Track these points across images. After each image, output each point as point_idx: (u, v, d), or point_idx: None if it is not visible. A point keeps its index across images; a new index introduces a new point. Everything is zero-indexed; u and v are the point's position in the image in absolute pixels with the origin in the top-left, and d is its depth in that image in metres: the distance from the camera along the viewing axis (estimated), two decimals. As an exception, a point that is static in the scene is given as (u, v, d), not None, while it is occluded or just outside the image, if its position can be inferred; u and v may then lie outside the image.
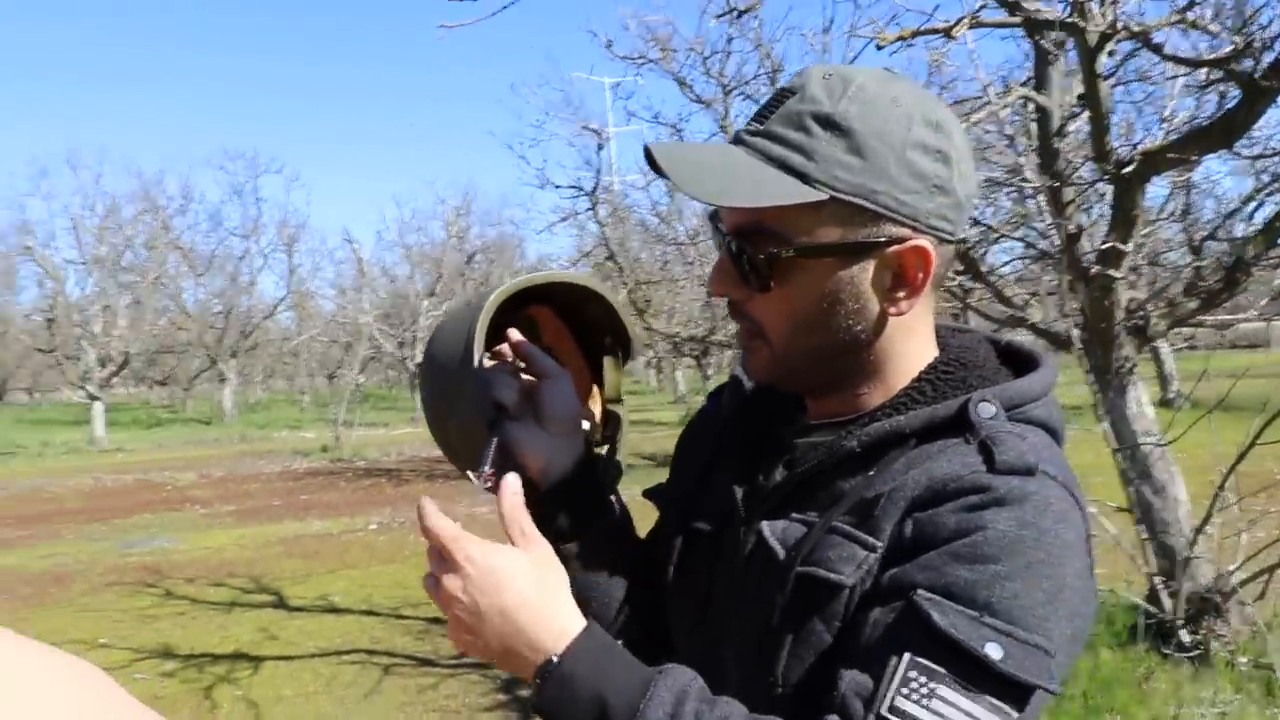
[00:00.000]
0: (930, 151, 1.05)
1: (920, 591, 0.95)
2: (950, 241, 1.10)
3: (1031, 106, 5.97)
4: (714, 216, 1.14)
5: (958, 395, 1.09)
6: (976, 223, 6.90)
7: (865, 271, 1.07)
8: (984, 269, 6.45)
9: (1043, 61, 5.82)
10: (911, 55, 14.35)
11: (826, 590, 1.03)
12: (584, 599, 1.14)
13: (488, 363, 1.25)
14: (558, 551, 1.10)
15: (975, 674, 0.92)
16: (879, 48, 4.15)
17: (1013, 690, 0.92)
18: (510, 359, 1.27)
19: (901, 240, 1.06)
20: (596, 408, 1.38)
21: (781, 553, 1.08)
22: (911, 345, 1.14)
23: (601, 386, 1.39)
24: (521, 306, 1.33)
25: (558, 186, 16.05)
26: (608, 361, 1.37)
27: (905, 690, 0.92)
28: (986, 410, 1.06)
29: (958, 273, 6.18)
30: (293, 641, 7.85)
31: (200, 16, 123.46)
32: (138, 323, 31.55)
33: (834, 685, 0.97)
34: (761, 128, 1.07)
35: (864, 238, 1.05)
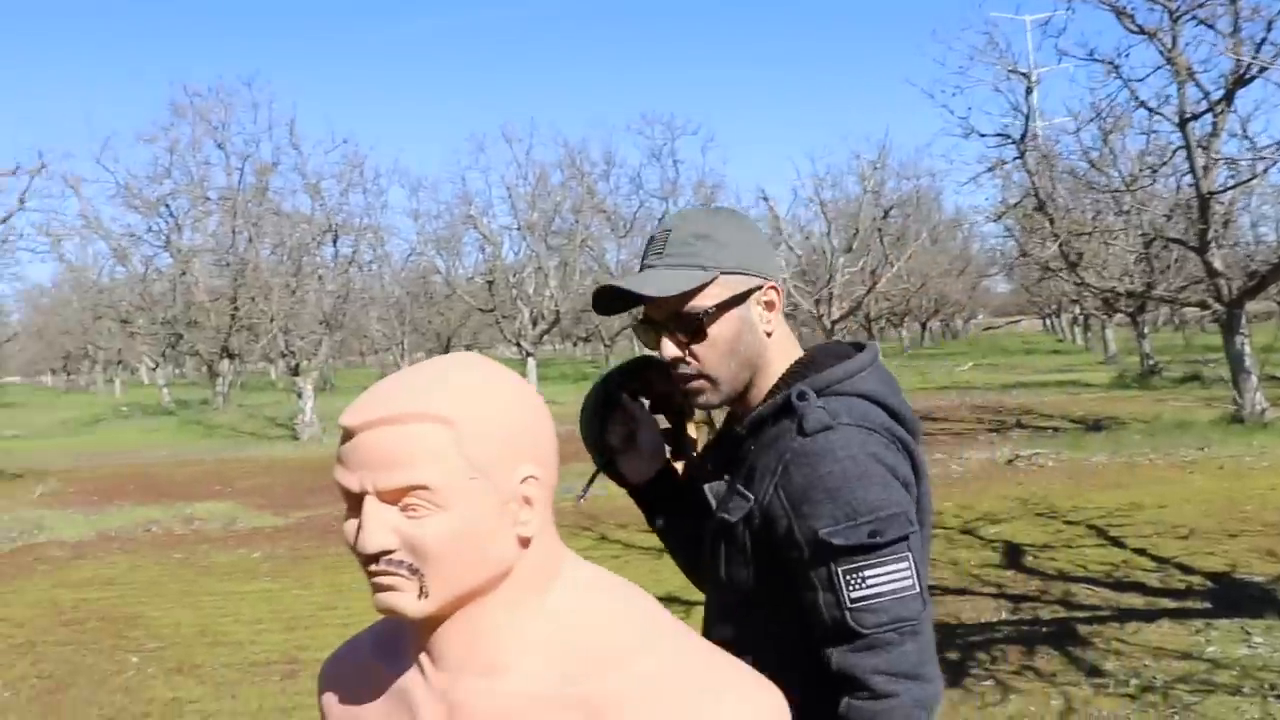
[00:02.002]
0: (753, 234, 1.77)
1: (821, 531, 1.54)
2: (777, 286, 1.76)
3: None
4: (644, 321, 1.76)
5: (787, 391, 1.68)
6: None
7: (749, 311, 1.73)
8: None
9: None
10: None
11: (727, 526, 1.69)
12: (670, 550, 1.99)
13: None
14: (654, 528, 1.97)
15: (874, 549, 1.53)
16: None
17: (897, 543, 1.54)
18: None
19: (761, 285, 1.74)
20: (692, 429, 1.97)
21: (714, 503, 1.74)
22: (776, 355, 1.76)
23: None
24: (644, 368, 1.89)
25: (982, 135, 15.41)
26: (694, 420, 1.97)
27: (849, 586, 1.53)
28: (802, 395, 1.65)
29: None
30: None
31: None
32: (566, 283, 33.32)
33: (817, 610, 1.56)
34: (661, 256, 1.71)
35: (743, 290, 1.71)
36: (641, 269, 1.74)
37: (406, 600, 1.15)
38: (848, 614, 1.52)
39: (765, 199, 33.46)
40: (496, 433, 1.16)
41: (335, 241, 26.07)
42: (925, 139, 76.36)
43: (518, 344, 32.81)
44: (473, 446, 1.13)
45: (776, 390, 1.71)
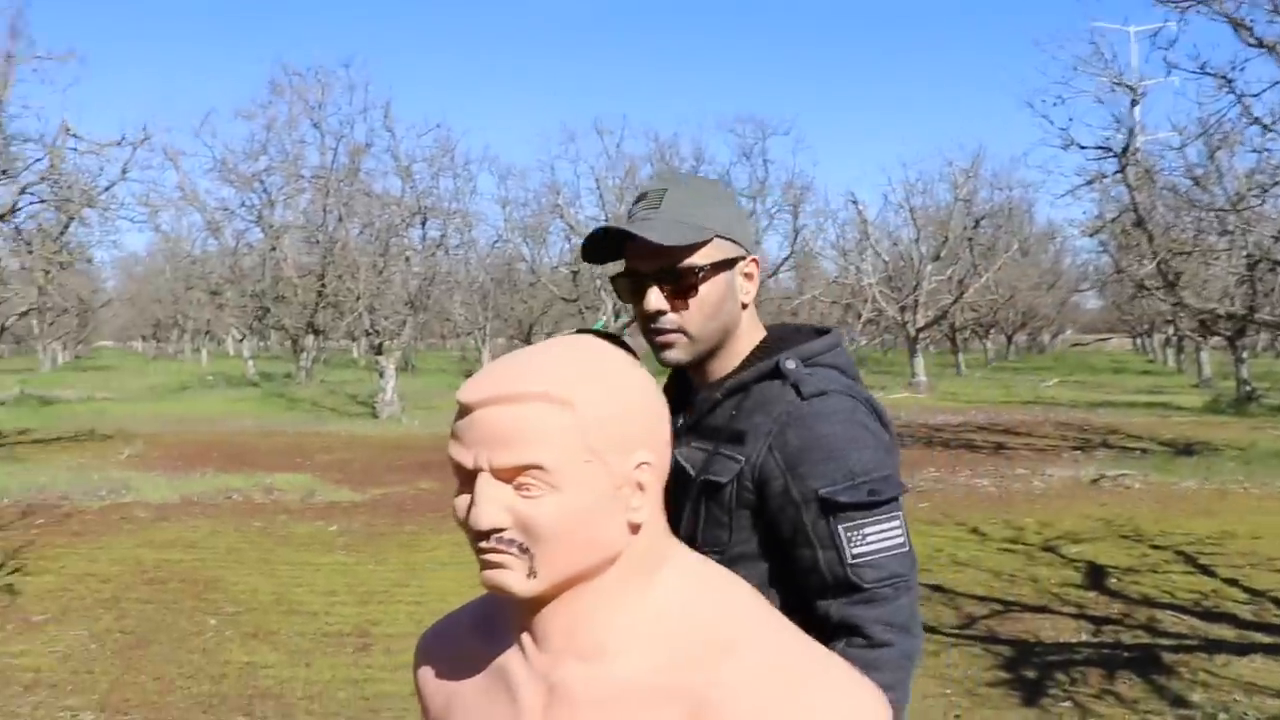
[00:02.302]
0: (740, 208, 1.86)
1: (822, 490, 1.62)
2: (757, 259, 1.82)
3: None
4: (625, 273, 1.79)
5: (773, 359, 1.74)
6: None
7: (733, 278, 1.78)
8: None
9: None
10: None
11: (715, 487, 1.72)
12: None
13: None
14: None
15: (873, 507, 1.62)
16: None
17: (891, 502, 1.64)
18: None
19: (745, 257, 1.80)
20: None
21: (691, 470, 1.75)
22: (748, 326, 1.83)
23: None
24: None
25: (1083, 147, 15.07)
26: None
27: (850, 543, 1.61)
28: (789, 364, 1.72)
29: None
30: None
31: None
32: (650, 277, 33.24)
33: (815, 566, 1.64)
34: (657, 210, 1.74)
35: (732, 256, 1.78)
36: (631, 220, 1.77)
37: (515, 579, 1.14)
38: (849, 569, 1.62)
39: (855, 203, 33.24)
40: (613, 416, 1.15)
41: (424, 224, 26.31)
42: (1021, 149, 75.01)
43: (599, 335, 32.79)
44: (589, 429, 1.13)
45: (753, 358, 1.79)
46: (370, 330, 24.56)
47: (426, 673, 1.36)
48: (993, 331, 53.94)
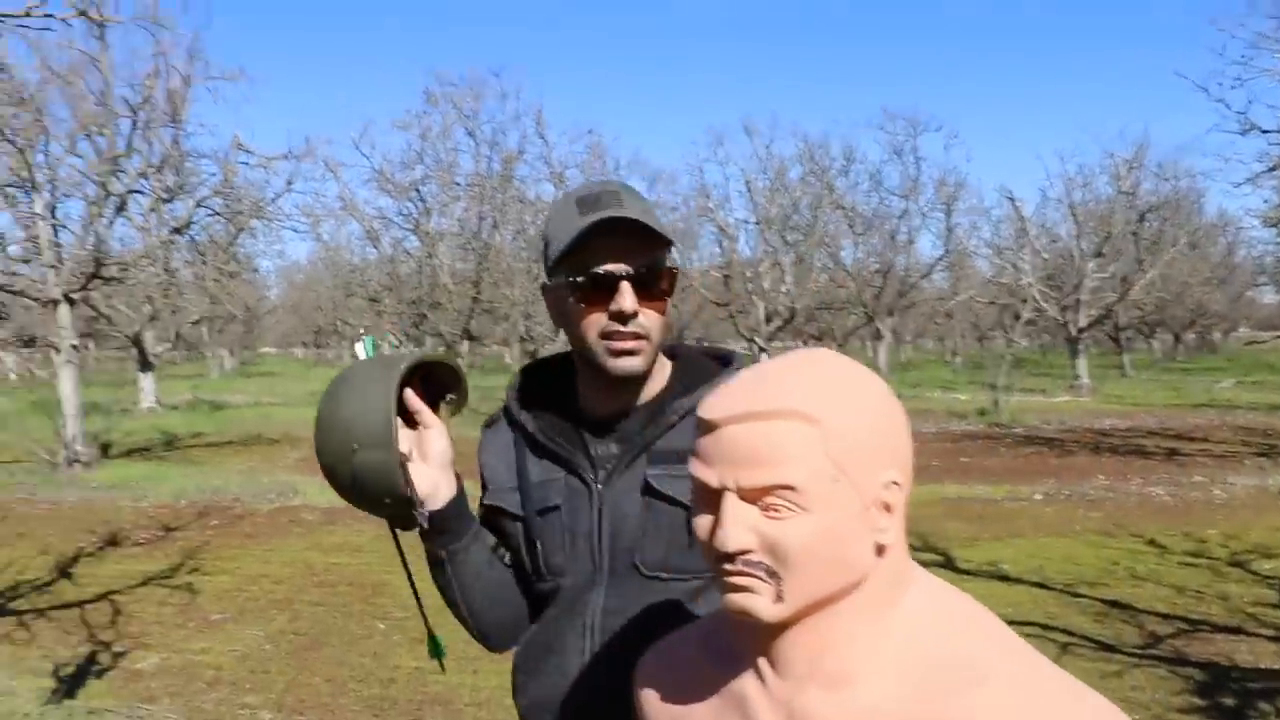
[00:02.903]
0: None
1: None
2: None
3: None
4: (593, 273, 1.66)
5: (700, 384, 1.73)
6: None
7: (673, 284, 1.74)
8: None
9: None
10: None
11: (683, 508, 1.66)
12: (460, 587, 1.83)
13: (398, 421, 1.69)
14: (439, 555, 1.80)
15: None
16: None
17: None
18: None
19: (674, 264, 1.77)
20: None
21: (660, 487, 1.69)
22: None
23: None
24: (409, 374, 1.74)
25: (1264, 131, 14.36)
26: (443, 410, 1.81)
27: None
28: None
29: None
30: (968, 604, 7.71)
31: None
32: (801, 279, 33.02)
33: None
34: (624, 208, 1.64)
35: (675, 263, 1.77)
36: (585, 215, 1.67)
37: (761, 603, 1.11)
38: None
39: (1010, 199, 32.39)
40: (862, 434, 1.10)
41: (577, 230, 26.51)
42: (1188, 136, 72.22)
43: (751, 340, 32.73)
44: (839, 448, 1.09)
45: (685, 377, 1.78)
46: (525, 336, 24.88)
47: (650, 694, 1.34)
48: (1159, 330, 51.99)
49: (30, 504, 13.79)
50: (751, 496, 1.09)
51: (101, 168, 17.65)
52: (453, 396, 1.83)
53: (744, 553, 1.10)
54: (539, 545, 1.77)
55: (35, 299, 17.08)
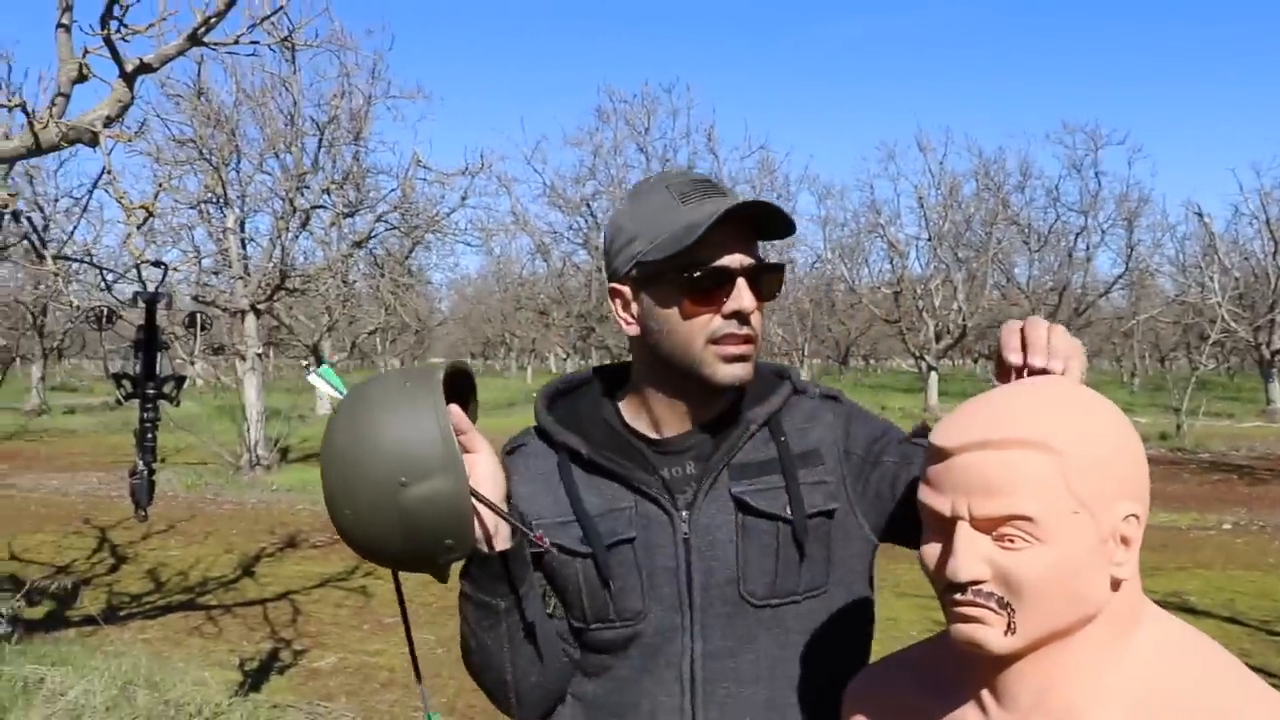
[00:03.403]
0: None
1: (900, 439, 1.61)
2: None
3: None
4: (716, 266, 1.49)
5: (769, 393, 1.60)
6: None
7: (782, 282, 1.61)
8: None
9: None
10: None
11: (828, 515, 1.55)
12: (512, 644, 1.52)
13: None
14: (494, 605, 1.50)
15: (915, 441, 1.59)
16: None
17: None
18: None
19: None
20: None
21: (780, 512, 1.52)
22: None
23: None
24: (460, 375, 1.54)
25: None
26: None
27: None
28: (802, 379, 1.66)
29: None
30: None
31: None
32: (973, 297, 32.33)
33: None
34: (738, 197, 1.50)
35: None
36: (690, 205, 1.51)
37: (993, 635, 1.09)
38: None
39: (1199, 214, 31.08)
40: (1102, 465, 1.08)
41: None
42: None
43: (920, 357, 32.17)
44: (1078, 479, 1.06)
45: (750, 385, 1.58)
46: (690, 350, 24.98)
47: None
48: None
49: (216, 504, 14.50)
50: (986, 526, 1.08)
51: (288, 184, 18.42)
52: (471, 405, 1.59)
53: (976, 583, 1.08)
54: (611, 585, 1.54)
55: (225, 309, 17.89)
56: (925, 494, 1.13)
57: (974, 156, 40.81)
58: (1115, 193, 35.74)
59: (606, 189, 28.24)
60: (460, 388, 1.56)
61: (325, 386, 1.53)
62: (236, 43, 4.20)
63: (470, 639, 1.56)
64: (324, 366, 1.55)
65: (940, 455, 1.11)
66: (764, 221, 1.51)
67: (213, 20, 3.95)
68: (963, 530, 1.08)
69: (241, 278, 17.99)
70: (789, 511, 1.52)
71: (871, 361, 63.78)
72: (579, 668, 1.61)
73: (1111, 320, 41.49)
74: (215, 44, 4.17)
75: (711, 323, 1.49)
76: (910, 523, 1.53)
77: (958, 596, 1.10)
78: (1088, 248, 34.30)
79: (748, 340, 1.51)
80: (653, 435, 1.60)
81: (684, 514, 1.53)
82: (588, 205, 29.02)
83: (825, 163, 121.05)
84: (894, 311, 33.69)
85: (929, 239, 33.07)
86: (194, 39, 4.07)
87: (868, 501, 1.58)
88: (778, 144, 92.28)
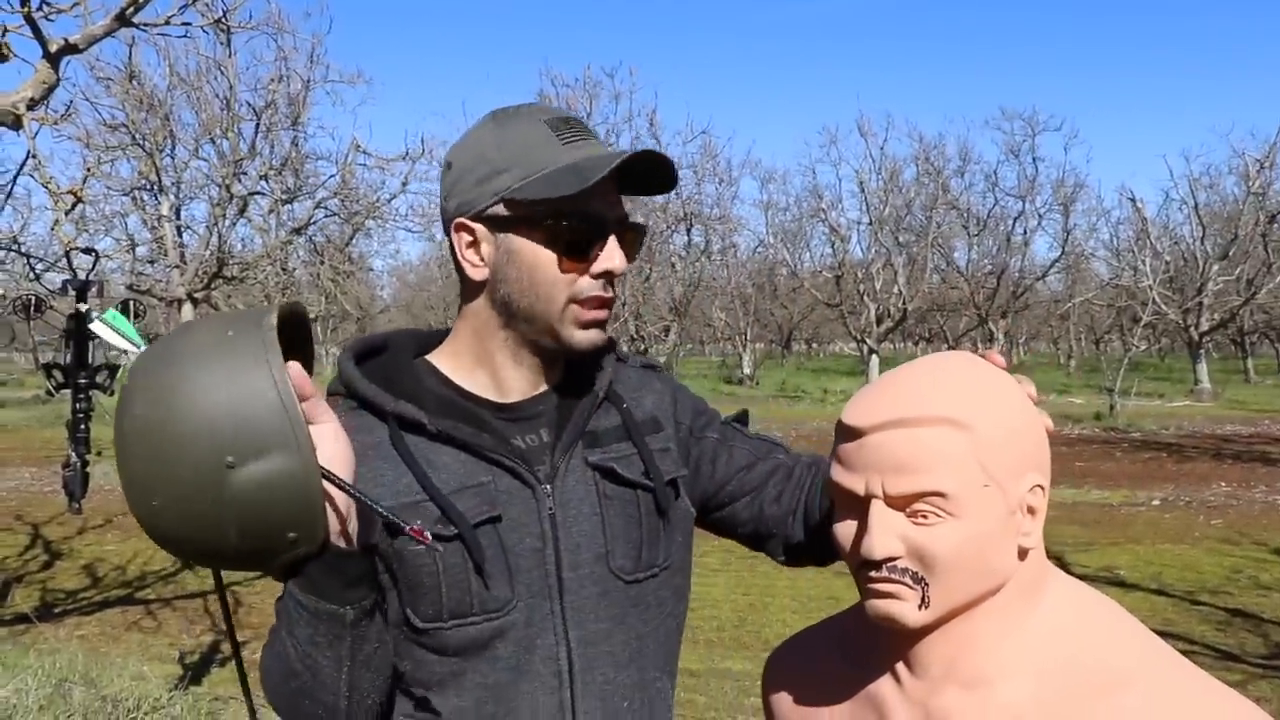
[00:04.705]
0: None
1: (720, 420, 1.60)
2: None
3: None
4: (593, 215, 1.34)
5: (604, 358, 1.47)
6: None
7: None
8: None
9: None
10: None
11: (678, 483, 1.47)
12: (354, 661, 1.22)
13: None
14: (342, 615, 1.18)
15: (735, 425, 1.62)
16: None
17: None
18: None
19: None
20: None
21: (641, 480, 1.41)
22: None
23: None
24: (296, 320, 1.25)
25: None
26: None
27: (749, 433, 1.62)
28: (622, 349, 1.54)
29: None
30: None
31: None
32: (914, 281, 32.62)
33: (751, 455, 1.56)
34: (600, 141, 1.38)
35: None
36: (569, 144, 1.35)
37: (907, 610, 1.11)
38: (766, 438, 1.63)
39: (1132, 200, 31.61)
40: (1009, 438, 1.10)
41: (689, 231, 26.61)
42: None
43: (861, 340, 32.44)
44: (987, 453, 1.08)
45: (591, 362, 1.47)
46: (636, 336, 24.97)
47: (782, 697, 1.34)
48: (1286, 335, 50.24)
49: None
50: (899, 504, 1.09)
51: (225, 170, 18.18)
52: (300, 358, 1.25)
53: (891, 560, 1.09)
54: (483, 572, 1.31)
55: (161, 298, 17.64)
56: (837, 473, 1.14)
57: (915, 141, 41.10)
58: (1052, 178, 36.33)
59: (548, 174, 28.22)
60: (294, 340, 1.26)
61: (114, 337, 1.11)
62: (168, 23, 4.14)
63: (295, 661, 1.22)
64: (110, 311, 1.17)
65: (851, 434, 1.12)
66: (642, 175, 1.38)
67: (142, 0, 3.89)
68: (877, 508, 1.09)
69: (177, 266, 17.72)
70: (649, 479, 1.42)
71: (813, 345, 64.15)
72: (416, 680, 1.34)
73: (1048, 303, 42.12)
74: (145, 24, 4.11)
75: (578, 281, 1.34)
76: (718, 504, 1.56)
77: (872, 574, 1.11)
78: (1025, 232, 34.78)
79: (608, 304, 1.38)
80: (496, 399, 1.41)
81: (546, 487, 1.36)
82: (529, 191, 28.97)
83: (768, 147, 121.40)
84: (835, 295, 33.94)
85: (870, 223, 33.32)
86: (122, 19, 4.00)
87: (689, 476, 1.52)
88: (720, 128, 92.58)
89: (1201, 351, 29.93)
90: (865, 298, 32.30)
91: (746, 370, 38.19)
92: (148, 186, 18.04)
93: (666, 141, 28.25)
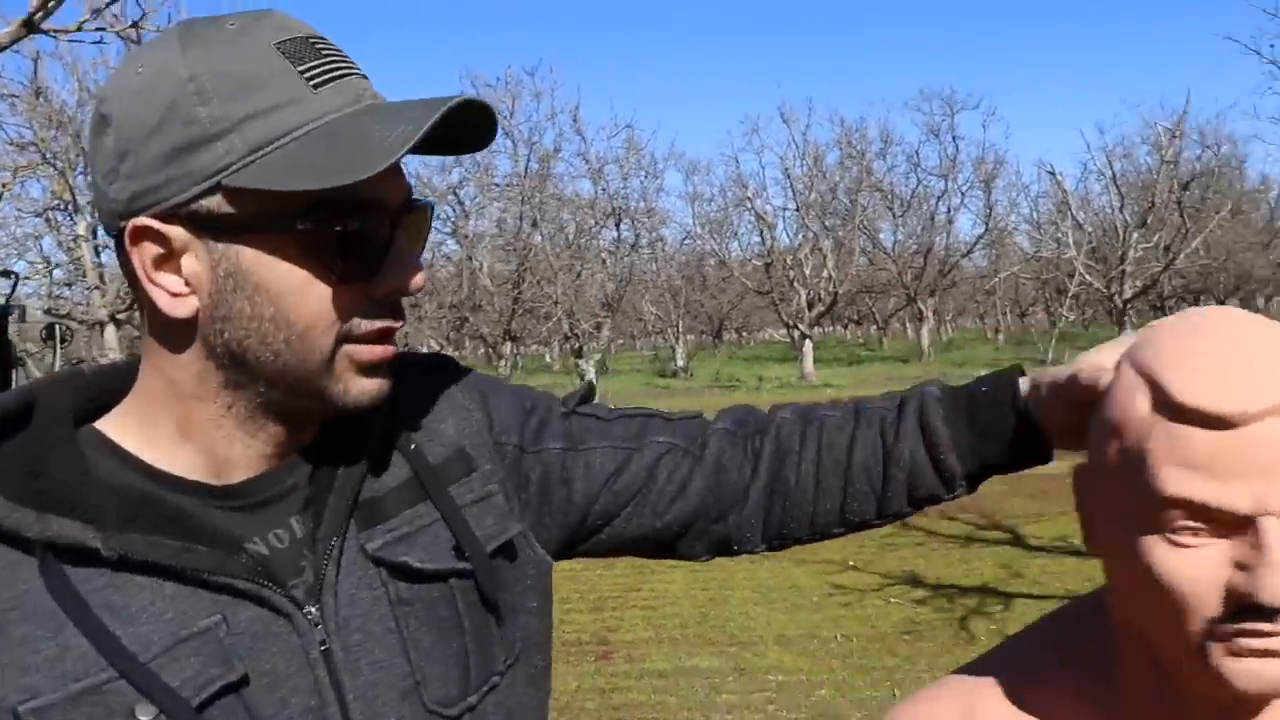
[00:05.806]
0: None
1: (558, 408, 1.13)
2: None
3: None
4: (367, 202, 0.86)
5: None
6: None
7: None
8: None
9: None
10: None
11: (508, 547, 1.01)
12: None
13: None
14: None
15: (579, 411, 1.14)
16: None
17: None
18: None
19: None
20: None
21: (432, 560, 0.94)
22: None
23: None
24: None
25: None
26: None
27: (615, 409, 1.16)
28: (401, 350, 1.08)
29: None
30: (1038, 581, 7.82)
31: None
32: (842, 264, 32.86)
33: (632, 450, 1.10)
34: (364, 77, 0.90)
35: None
36: (323, 82, 0.85)
37: None
38: (659, 414, 1.17)
39: (1051, 173, 32.06)
40: None
41: (617, 226, 26.54)
42: (1229, 101, 71.21)
43: (793, 326, 32.60)
44: None
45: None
46: (569, 334, 24.84)
47: None
48: (1204, 298, 51.38)
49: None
50: None
51: (141, 187, 17.76)
52: None
53: None
54: None
55: (82, 321, 17.19)
56: (1195, 485, 0.78)
57: (836, 126, 41.58)
58: (972, 156, 36.82)
59: (473, 175, 27.95)
60: None
61: None
62: (80, 29, 3.95)
63: None
64: None
65: (1220, 424, 0.77)
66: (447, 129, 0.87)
67: (50, 5, 3.69)
68: (1276, 531, 0.76)
69: (97, 287, 17.28)
70: (464, 557, 0.96)
71: (744, 334, 64.44)
72: None
73: (974, 279, 42.72)
74: (54, 31, 3.91)
75: (354, 309, 0.88)
76: (589, 532, 1.11)
77: (1262, 626, 0.77)
78: (949, 210, 35.24)
79: (393, 335, 0.92)
80: (212, 482, 0.91)
81: (311, 610, 0.88)
82: (455, 193, 28.68)
83: (691, 138, 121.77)
84: (765, 283, 34.09)
85: (796, 209, 33.57)
86: (30, 25, 3.80)
87: (533, 510, 1.07)
88: (644, 122, 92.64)
89: (1126, 319, 30.45)
90: (795, 284, 32.51)
91: (680, 362, 38.22)
92: (61, 206, 17.57)
93: (591, 137, 28.25)
